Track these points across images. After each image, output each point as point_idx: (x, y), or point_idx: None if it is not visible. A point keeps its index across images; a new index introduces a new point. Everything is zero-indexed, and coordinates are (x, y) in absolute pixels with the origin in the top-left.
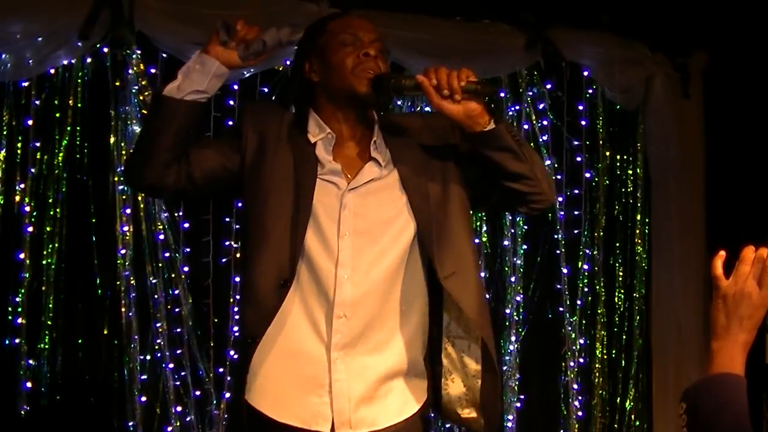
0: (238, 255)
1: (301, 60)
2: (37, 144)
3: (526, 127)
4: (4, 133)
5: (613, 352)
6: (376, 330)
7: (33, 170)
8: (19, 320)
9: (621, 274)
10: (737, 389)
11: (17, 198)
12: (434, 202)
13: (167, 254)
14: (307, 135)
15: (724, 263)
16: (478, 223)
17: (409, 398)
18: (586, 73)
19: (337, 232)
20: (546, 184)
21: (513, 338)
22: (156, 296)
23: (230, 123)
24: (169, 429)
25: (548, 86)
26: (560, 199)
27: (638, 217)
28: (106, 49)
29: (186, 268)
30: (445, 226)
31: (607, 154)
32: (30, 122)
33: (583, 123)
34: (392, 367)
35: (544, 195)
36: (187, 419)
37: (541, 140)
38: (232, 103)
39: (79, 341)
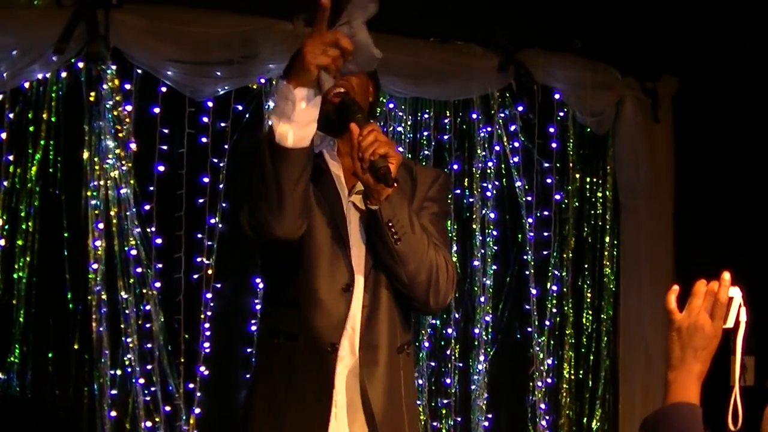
0: (209, 272)
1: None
2: (10, 157)
3: (497, 148)
4: None
5: (581, 372)
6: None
7: (5, 183)
8: None
9: (589, 295)
10: (693, 418)
11: None
12: None
13: (139, 270)
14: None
15: (680, 295)
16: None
17: None
18: (557, 96)
19: (349, 245)
20: (425, 294)
21: (482, 358)
22: (127, 311)
23: (203, 139)
24: None
25: (520, 108)
26: (530, 220)
27: (607, 240)
28: (81, 64)
29: (157, 284)
30: None
31: (577, 176)
32: (3, 135)
33: (554, 145)
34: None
35: (418, 303)
36: None
37: (511, 162)
38: (206, 120)
39: (50, 355)
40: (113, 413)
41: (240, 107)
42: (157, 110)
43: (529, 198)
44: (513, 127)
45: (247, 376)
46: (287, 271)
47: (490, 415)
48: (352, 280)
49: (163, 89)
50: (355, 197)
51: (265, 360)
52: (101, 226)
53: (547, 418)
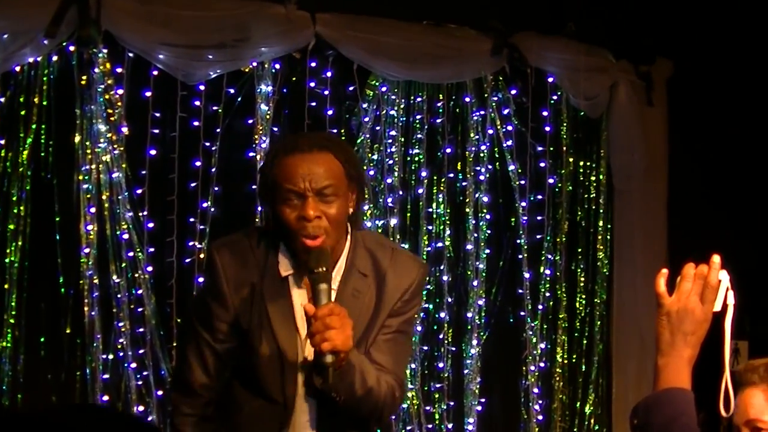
0: (201, 255)
1: (264, 198)
2: (2, 142)
3: (490, 131)
4: None
5: (574, 356)
6: None
7: None
8: None
9: (583, 279)
10: (686, 403)
11: None
12: None
13: (131, 254)
14: (278, 268)
15: (668, 280)
16: (441, 227)
17: None
18: (551, 80)
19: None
20: (375, 421)
21: (474, 342)
22: (119, 296)
23: (195, 123)
24: None
25: (513, 92)
26: (523, 204)
27: (600, 223)
28: (72, 48)
29: (150, 268)
30: None
31: (571, 160)
32: None
33: (548, 129)
34: None
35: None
36: (149, 419)
37: (505, 145)
38: (198, 103)
39: (42, 340)
40: (105, 397)
41: (232, 91)
42: (148, 94)
43: (523, 182)
44: (506, 111)
45: None
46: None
47: (483, 400)
48: (288, 419)
49: (155, 73)
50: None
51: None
52: (93, 210)
53: (540, 402)
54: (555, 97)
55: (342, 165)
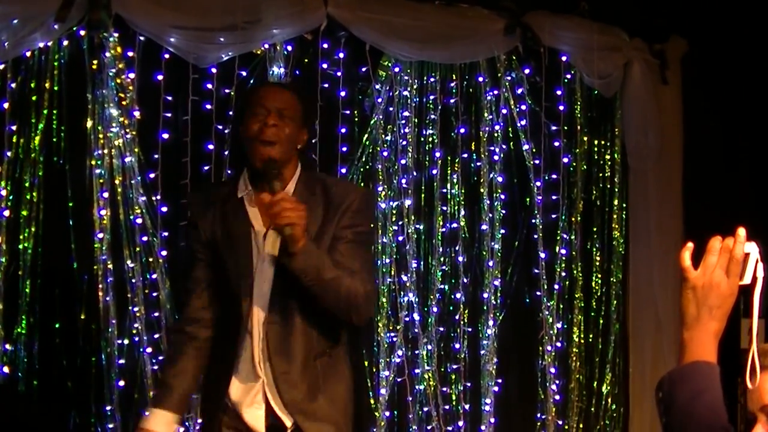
0: None
1: (237, 125)
2: (13, 127)
3: (504, 111)
4: None
5: (590, 336)
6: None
7: (9, 154)
8: None
9: (598, 258)
10: (711, 377)
11: None
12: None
13: (145, 238)
14: (236, 192)
15: (693, 254)
16: (455, 207)
17: None
18: (564, 59)
19: (252, 281)
20: (345, 314)
21: (491, 323)
22: (134, 280)
23: (207, 106)
24: (147, 413)
25: (526, 71)
26: (538, 184)
27: (615, 203)
28: (82, 32)
29: (164, 253)
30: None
31: (585, 139)
32: (6, 105)
33: (561, 108)
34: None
35: (344, 321)
36: None
37: (519, 125)
38: (210, 86)
39: (56, 326)
40: (121, 382)
41: (244, 73)
42: (160, 77)
43: (537, 161)
44: (520, 90)
45: None
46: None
47: (499, 380)
48: (250, 311)
49: (166, 56)
50: (269, 239)
51: None
52: (106, 195)
53: (557, 382)
54: (569, 76)
55: (300, 104)
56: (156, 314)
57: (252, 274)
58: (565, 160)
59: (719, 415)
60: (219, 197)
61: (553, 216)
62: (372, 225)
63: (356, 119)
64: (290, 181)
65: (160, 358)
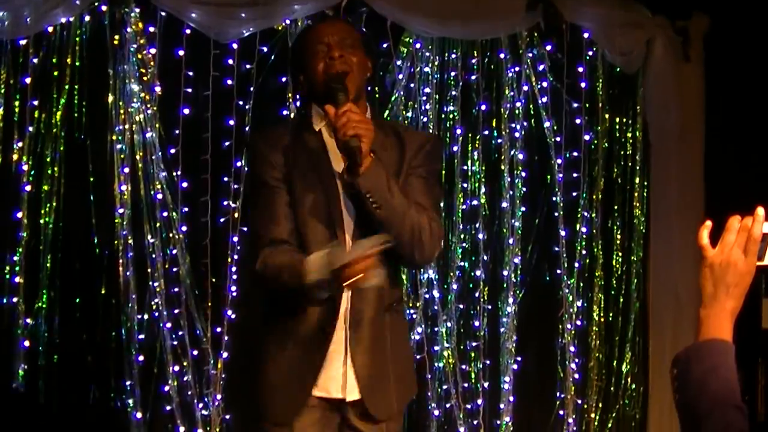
0: (236, 215)
1: (295, 76)
2: (35, 102)
3: (525, 88)
4: (2, 91)
5: (611, 315)
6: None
7: (31, 129)
8: (17, 279)
9: (619, 237)
10: (726, 354)
11: (15, 156)
12: None
13: (165, 214)
14: (312, 125)
15: (712, 232)
16: (476, 184)
17: None
18: (586, 35)
19: (341, 215)
20: (408, 247)
21: (510, 300)
22: (154, 256)
23: (228, 82)
24: (167, 388)
25: (548, 48)
26: (559, 161)
27: (637, 181)
28: (104, 7)
29: (184, 228)
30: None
31: (607, 116)
32: (28, 80)
33: (583, 85)
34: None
35: (407, 258)
36: (185, 379)
37: (540, 102)
38: (231, 62)
39: (77, 301)
40: (141, 357)
41: (265, 49)
42: (181, 53)
43: (558, 139)
44: (541, 67)
45: None
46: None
47: (519, 358)
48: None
49: (188, 31)
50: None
51: (266, 307)
52: (127, 170)
53: (577, 360)
54: (590, 53)
55: (356, 30)
56: (176, 289)
57: (341, 214)
58: (587, 137)
59: (733, 392)
60: (288, 132)
61: (574, 194)
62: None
63: (377, 95)
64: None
65: (180, 333)
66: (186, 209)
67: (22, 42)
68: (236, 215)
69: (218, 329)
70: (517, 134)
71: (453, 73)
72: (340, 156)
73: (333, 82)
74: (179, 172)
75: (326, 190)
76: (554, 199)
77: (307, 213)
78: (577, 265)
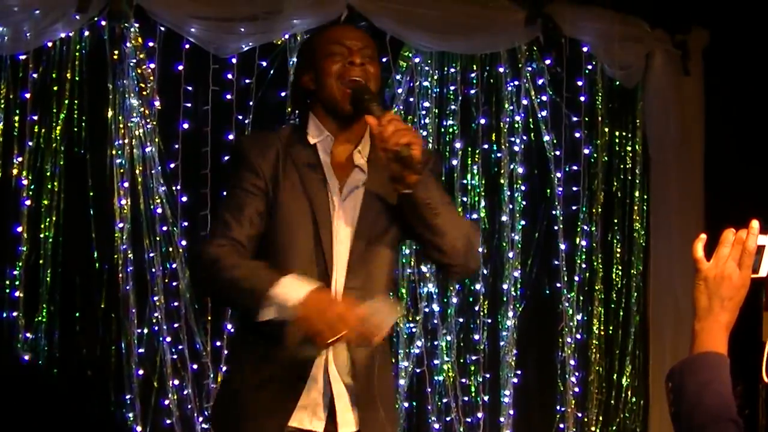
0: None
1: (299, 73)
2: (35, 117)
3: (525, 102)
4: (2, 106)
5: (611, 328)
6: None
7: (30, 143)
8: (17, 293)
9: (619, 250)
10: (720, 368)
11: (15, 171)
12: (380, 220)
13: (165, 228)
14: (307, 138)
15: (706, 246)
16: (476, 198)
17: None
18: (585, 49)
19: (331, 239)
20: (464, 257)
21: (510, 314)
22: (153, 270)
23: (228, 96)
24: (167, 402)
25: (547, 62)
26: (558, 175)
27: (636, 194)
28: (103, 23)
29: (183, 242)
30: (375, 245)
31: (606, 130)
32: (27, 95)
33: (583, 99)
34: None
35: (458, 267)
36: (184, 392)
37: (540, 116)
38: (230, 76)
39: (77, 315)
40: (141, 371)
41: (264, 63)
42: (180, 67)
43: (558, 152)
44: (541, 81)
45: None
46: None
47: (519, 372)
48: (329, 276)
49: (187, 46)
50: (353, 195)
51: (240, 353)
52: (126, 184)
53: (577, 374)
54: (590, 67)
55: (373, 42)
56: (175, 304)
57: (331, 233)
58: (586, 151)
59: (728, 406)
60: (279, 142)
61: (574, 207)
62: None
63: None
64: (366, 132)
65: (180, 347)
66: (186, 223)
67: (22, 57)
68: None
69: (218, 343)
70: (516, 148)
71: (452, 88)
72: (336, 178)
73: (362, 94)
74: (179, 187)
75: (316, 208)
76: (554, 212)
77: (290, 229)
78: (577, 278)
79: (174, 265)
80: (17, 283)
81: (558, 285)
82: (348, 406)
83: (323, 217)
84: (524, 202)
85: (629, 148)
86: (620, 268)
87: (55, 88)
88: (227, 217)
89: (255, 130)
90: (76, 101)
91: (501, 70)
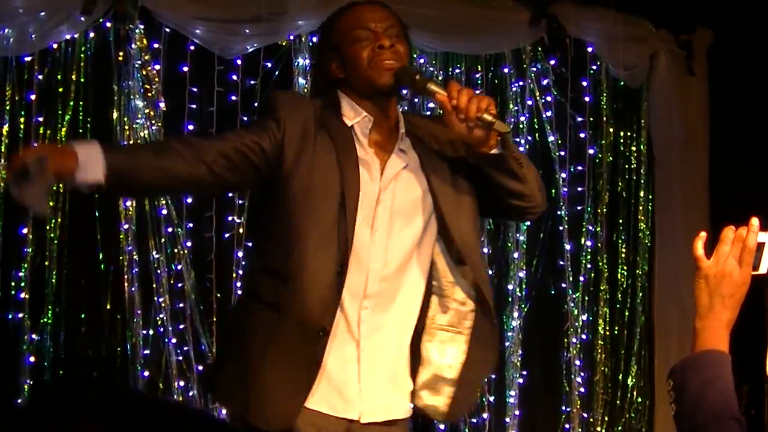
0: (240, 230)
1: (324, 61)
2: (40, 119)
3: (530, 102)
4: (7, 107)
5: (616, 328)
6: (389, 319)
7: (36, 145)
8: (23, 295)
9: (624, 250)
10: (722, 365)
11: None
12: (452, 187)
13: (170, 229)
14: (342, 118)
15: (707, 244)
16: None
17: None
18: (590, 50)
19: (371, 225)
20: (540, 197)
21: (516, 314)
22: (159, 271)
23: (233, 97)
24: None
25: (552, 62)
26: (563, 175)
27: (641, 194)
28: (108, 24)
29: (189, 243)
30: (460, 215)
31: (611, 130)
32: (33, 97)
33: (587, 99)
34: (397, 356)
35: (537, 207)
36: (190, 394)
37: (544, 116)
38: (235, 77)
39: (82, 316)
40: (146, 373)
41: (269, 64)
42: (186, 69)
43: (563, 153)
44: (545, 81)
45: None
46: (278, 239)
47: (524, 372)
48: (346, 261)
49: (192, 47)
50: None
51: (241, 323)
52: None
53: (582, 374)
54: (594, 67)
55: (400, 19)
56: (181, 305)
57: (355, 213)
58: (591, 151)
59: (730, 403)
60: (313, 111)
61: (579, 208)
62: None
63: None
64: (399, 117)
65: (185, 348)
66: (191, 225)
67: (27, 59)
68: (241, 231)
69: None
70: (521, 148)
71: None
72: (377, 158)
73: (408, 76)
74: None
75: (346, 185)
76: (559, 213)
77: (312, 196)
78: (582, 278)
79: (179, 267)
80: (23, 284)
81: (563, 285)
82: (374, 391)
83: (351, 194)
84: None
85: (634, 148)
86: (625, 268)
87: (61, 90)
88: (228, 134)
89: (291, 90)
90: (81, 103)
91: (506, 70)
